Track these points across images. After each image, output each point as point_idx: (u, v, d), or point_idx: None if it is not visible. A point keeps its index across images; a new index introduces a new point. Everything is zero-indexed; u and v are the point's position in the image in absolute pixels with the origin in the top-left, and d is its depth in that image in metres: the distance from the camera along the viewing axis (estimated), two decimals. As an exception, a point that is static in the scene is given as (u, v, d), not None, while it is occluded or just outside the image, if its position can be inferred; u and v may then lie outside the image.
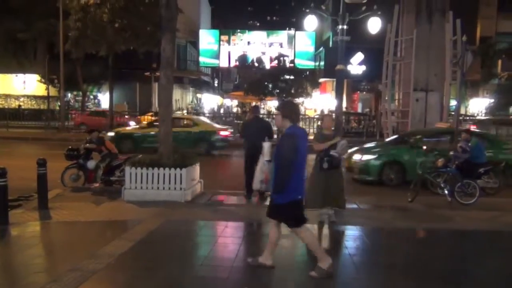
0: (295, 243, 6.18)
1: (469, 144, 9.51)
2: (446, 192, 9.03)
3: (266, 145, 5.06)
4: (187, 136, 16.12)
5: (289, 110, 4.80)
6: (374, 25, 11.84)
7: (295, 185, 4.69)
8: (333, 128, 8.10)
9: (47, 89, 30.66)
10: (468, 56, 10.71)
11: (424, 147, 10.39)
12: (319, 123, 28.28)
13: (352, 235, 6.96)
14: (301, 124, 29.14)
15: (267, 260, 5.15)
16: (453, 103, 22.73)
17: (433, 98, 20.48)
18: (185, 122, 17.34)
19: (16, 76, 33.23)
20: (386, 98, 21.53)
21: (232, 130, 19.00)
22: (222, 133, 17.11)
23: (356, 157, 11.52)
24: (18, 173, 8.77)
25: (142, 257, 5.68)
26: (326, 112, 31.44)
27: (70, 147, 10.39)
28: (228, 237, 6.71)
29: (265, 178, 4.81)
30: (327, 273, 4.90)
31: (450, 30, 19.74)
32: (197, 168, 9.46)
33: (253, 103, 34.98)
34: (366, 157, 11.45)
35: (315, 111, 37.80)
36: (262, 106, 40.11)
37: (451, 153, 9.57)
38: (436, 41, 20.27)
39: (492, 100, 30.65)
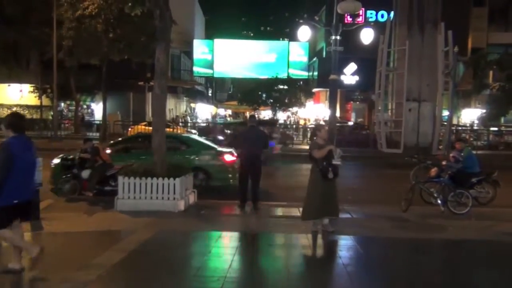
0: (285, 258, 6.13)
1: (462, 154, 9.56)
2: (439, 202, 9.05)
3: None
4: None
5: (10, 122, 5.21)
6: (367, 35, 11.96)
7: (10, 191, 5.00)
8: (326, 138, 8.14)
9: (40, 98, 30.52)
10: (459, 66, 10.84)
11: (109, 151, 10.54)
12: (310, 132, 28.36)
13: (345, 244, 6.95)
14: (294, 133, 29.15)
15: (16, 264, 5.27)
16: (446, 113, 22.91)
17: (425, 108, 20.67)
18: None
19: (9, 85, 33.06)
20: (379, 108, 21.67)
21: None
22: None
23: (55, 161, 10.65)
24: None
25: (135, 268, 5.63)
26: (321, 122, 31.63)
27: (64, 156, 10.33)
28: (221, 247, 6.67)
29: None
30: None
31: (442, 41, 19.97)
32: (190, 178, 9.43)
33: (247, 113, 35.08)
34: (55, 161, 10.60)
35: (309, 120, 37.93)
36: (257, 116, 40.15)
37: (444, 163, 9.61)
38: (428, 52, 20.50)
39: (484, 111, 30.90)
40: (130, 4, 9.52)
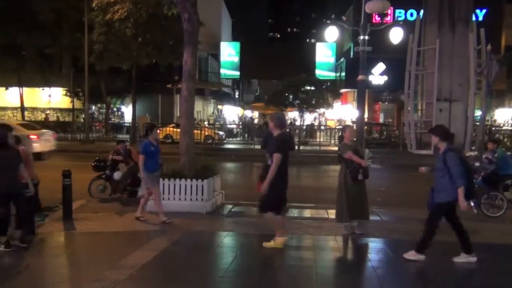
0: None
1: (495, 155, 9.29)
2: (472, 204, 8.80)
3: None
4: None
5: None
6: (396, 35, 11.76)
7: None
8: (354, 139, 8.06)
9: (72, 101, 31.39)
10: (493, 65, 10.53)
11: None
12: (340, 133, 28.09)
13: (375, 247, 6.85)
14: (321, 135, 29.01)
15: None
16: (478, 113, 22.28)
17: (457, 109, 20.10)
18: None
19: (43, 89, 34.10)
20: (409, 108, 21.25)
21: None
22: None
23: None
24: (43, 184, 8.93)
25: (164, 268, 5.71)
26: (348, 122, 31.25)
27: (97, 158, 10.55)
28: (249, 248, 6.68)
29: None
30: None
31: (474, 40, 19.43)
32: (218, 179, 9.49)
33: (274, 114, 35.05)
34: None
35: (337, 121, 37.55)
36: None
37: (477, 164, 9.35)
38: (460, 50, 19.92)
39: (519, 110, 29.97)
40: (166, 6, 9.84)
